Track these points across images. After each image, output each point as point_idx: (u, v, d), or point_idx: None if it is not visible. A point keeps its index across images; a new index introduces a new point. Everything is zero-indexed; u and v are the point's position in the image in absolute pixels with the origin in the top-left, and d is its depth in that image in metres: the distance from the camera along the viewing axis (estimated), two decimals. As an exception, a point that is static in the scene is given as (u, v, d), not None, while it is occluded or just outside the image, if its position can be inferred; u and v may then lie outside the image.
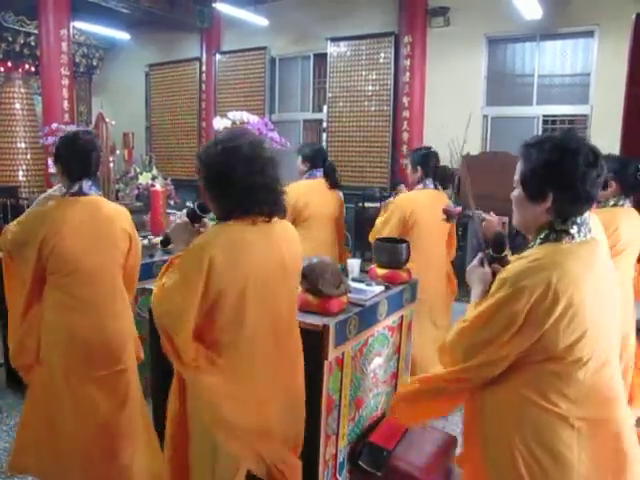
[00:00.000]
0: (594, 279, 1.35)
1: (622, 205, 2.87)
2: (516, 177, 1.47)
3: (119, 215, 2.45)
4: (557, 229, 1.38)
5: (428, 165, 3.51)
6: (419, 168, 3.50)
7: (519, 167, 1.45)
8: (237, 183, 1.61)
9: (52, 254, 2.19)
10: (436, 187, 3.55)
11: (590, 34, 7.44)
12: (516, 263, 1.38)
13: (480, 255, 1.62)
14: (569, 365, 1.35)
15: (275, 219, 1.74)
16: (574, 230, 1.38)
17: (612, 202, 2.86)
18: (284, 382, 1.83)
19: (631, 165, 2.87)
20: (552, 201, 1.37)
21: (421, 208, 3.43)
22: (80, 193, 2.32)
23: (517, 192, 1.47)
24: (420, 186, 3.52)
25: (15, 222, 2.32)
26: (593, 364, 1.37)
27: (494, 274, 1.54)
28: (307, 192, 3.61)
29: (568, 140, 1.36)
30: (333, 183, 3.77)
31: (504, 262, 1.58)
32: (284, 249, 1.76)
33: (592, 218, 2.73)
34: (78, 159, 2.29)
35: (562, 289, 1.28)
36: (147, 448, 2.41)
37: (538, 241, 1.41)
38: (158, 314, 1.67)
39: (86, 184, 2.33)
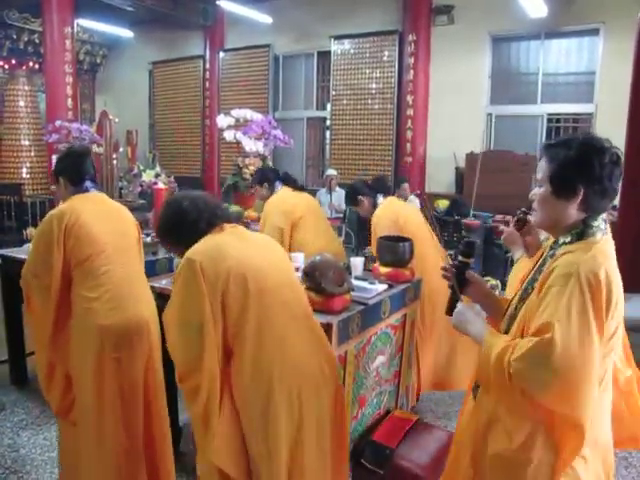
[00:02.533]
0: (619, 276, 1.40)
1: None
2: (540, 176, 1.47)
3: (124, 208, 2.60)
4: (592, 225, 1.41)
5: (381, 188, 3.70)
6: (362, 198, 3.60)
7: (544, 166, 1.45)
8: (189, 214, 1.88)
9: (77, 239, 2.26)
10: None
11: (595, 32, 7.41)
12: (569, 256, 1.37)
13: (453, 296, 1.65)
14: (604, 356, 1.35)
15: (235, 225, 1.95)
16: (603, 226, 1.42)
17: None
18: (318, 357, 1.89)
19: None
20: (583, 197, 1.39)
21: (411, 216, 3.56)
22: (86, 191, 2.46)
23: (543, 190, 1.46)
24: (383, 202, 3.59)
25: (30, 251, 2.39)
26: (610, 361, 1.40)
27: (467, 282, 1.62)
28: (287, 199, 3.79)
29: (594, 139, 1.40)
30: (300, 186, 3.97)
31: (468, 268, 1.64)
32: (263, 244, 1.95)
33: None
34: (75, 164, 2.46)
35: (611, 279, 1.33)
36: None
37: (570, 237, 1.42)
38: (176, 362, 1.75)
39: (89, 184, 2.47)
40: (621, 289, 1.36)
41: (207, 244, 1.78)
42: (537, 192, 1.48)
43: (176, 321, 1.73)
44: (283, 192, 3.85)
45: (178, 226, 1.88)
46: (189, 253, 1.74)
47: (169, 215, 1.92)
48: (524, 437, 1.36)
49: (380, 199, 3.55)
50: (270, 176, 3.93)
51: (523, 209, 2.10)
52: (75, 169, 2.45)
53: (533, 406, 1.32)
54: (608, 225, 1.45)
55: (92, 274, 2.28)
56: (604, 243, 1.40)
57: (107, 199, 2.56)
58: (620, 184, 1.42)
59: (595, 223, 1.41)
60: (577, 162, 1.38)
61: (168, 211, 1.93)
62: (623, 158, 1.42)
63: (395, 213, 3.45)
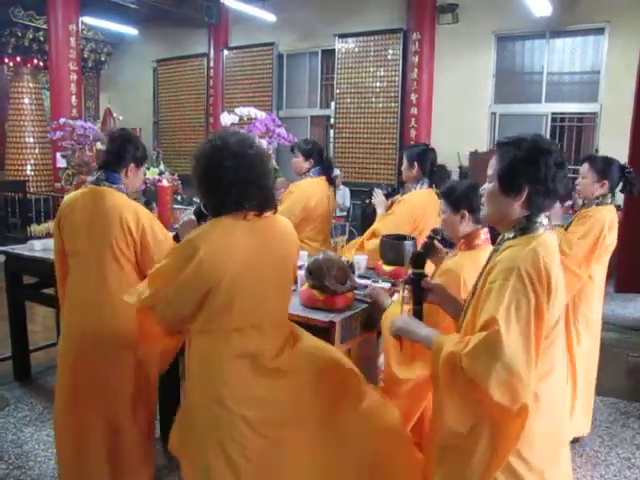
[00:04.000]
0: (560, 267, 1.49)
1: (610, 203, 2.93)
2: (490, 172, 1.54)
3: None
4: (535, 221, 1.48)
5: (425, 163, 3.27)
6: (416, 165, 3.23)
7: (494, 163, 1.53)
8: (223, 179, 1.65)
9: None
10: (430, 186, 3.32)
11: (600, 31, 7.38)
12: (510, 251, 1.46)
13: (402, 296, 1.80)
14: (549, 346, 1.44)
15: (268, 214, 1.76)
16: (545, 222, 1.50)
17: (609, 200, 2.91)
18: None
19: (616, 164, 2.93)
20: (527, 195, 1.46)
21: (429, 211, 3.21)
22: None
23: (491, 186, 1.54)
24: (418, 185, 3.29)
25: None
26: (558, 348, 1.50)
27: (424, 290, 1.73)
28: (317, 191, 3.54)
29: (542, 142, 1.48)
30: (331, 180, 3.72)
31: (423, 277, 1.75)
32: (275, 243, 1.76)
33: (598, 215, 2.76)
34: None
35: (550, 271, 1.40)
36: None
37: (514, 233, 1.50)
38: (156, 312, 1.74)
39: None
40: (561, 280, 1.45)
41: (217, 234, 1.65)
42: (486, 187, 1.56)
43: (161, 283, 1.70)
44: (318, 183, 3.59)
45: (204, 183, 1.71)
46: (195, 235, 1.64)
47: (202, 165, 1.70)
48: (468, 429, 1.43)
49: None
50: (317, 157, 3.61)
51: (430, 234, 2.21)
52: None
53: (479, 400, 1.39)
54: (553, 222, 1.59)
55: None
56: (545, 237, 1.47)
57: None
58: (563, 185, 1.49)
59: (538, 220, 1.48)
60: (524, 162, 1.46)
61: (202, 159, 1.71)
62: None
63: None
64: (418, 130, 8.43)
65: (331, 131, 9.70)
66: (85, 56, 10.65)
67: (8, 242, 4.37)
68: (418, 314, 1.73)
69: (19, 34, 9.72)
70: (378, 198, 3.37)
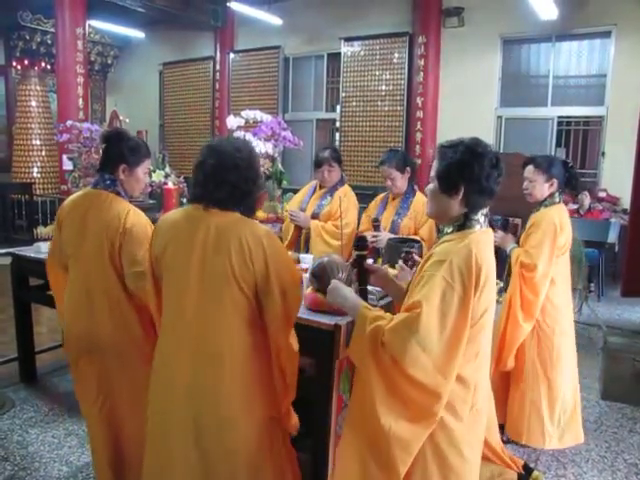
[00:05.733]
0: (493, 262, 1.61)
1: (559, 202, 2.89)
2: (432, 174, 1.67)
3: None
4: (471, 218, 1.60)
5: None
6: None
7: (435, 165, 1.66)
8: (198, 173, 1.76)
9: None
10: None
11: (607, 34, 7.37)
12: (446, 245, 1.57)
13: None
14: (476, 334, 1.55)
15: (227, 211, 1.72)
16: (481, 219, 1.62)
17: (557, 199, 2.87)
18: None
19: (559, 161, 2.92)
20: (463, 194, 1.58)
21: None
22: None
23: (432, 186, 1.67)
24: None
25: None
26: (484, 339, 1.61)
27: (367, 271, 1.88)
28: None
29: (477, 144, 1.59)
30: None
31: (365, 259, 1.90)
32: (210, 237, 1.68)
33: (549, 215, 2.77)
34: None
35: (481, 266, 1.51)
36: None
37: (452, 228, 1.63)
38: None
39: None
40: (492, 274, 1.57)
41: (166, 216, 1.87)
42: (429, 187, 1.69)
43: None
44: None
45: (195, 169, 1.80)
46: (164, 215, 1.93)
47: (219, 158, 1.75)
48: (388, 406, 1.51)
49: None
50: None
51: (405, 249, 2.36)
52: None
53: (400, 374, 1.48)
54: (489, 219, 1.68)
55: None
56: (480, 234, 1.59)
57: None
58: (497, 184, 1.60)
59: (475, 217, 1.61)
60: (459, 164, 1.58)
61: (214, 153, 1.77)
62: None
63: None
64: (424, 133, 8.43)
65: (337, 134, 9.71)
66: (92, 59, 10.72)
67: (14, 244, 4.39)
68: (363, 294, 1.83)
69: (27, 37, 9.80)
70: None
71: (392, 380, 1.51)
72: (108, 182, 2.30)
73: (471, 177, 1.57)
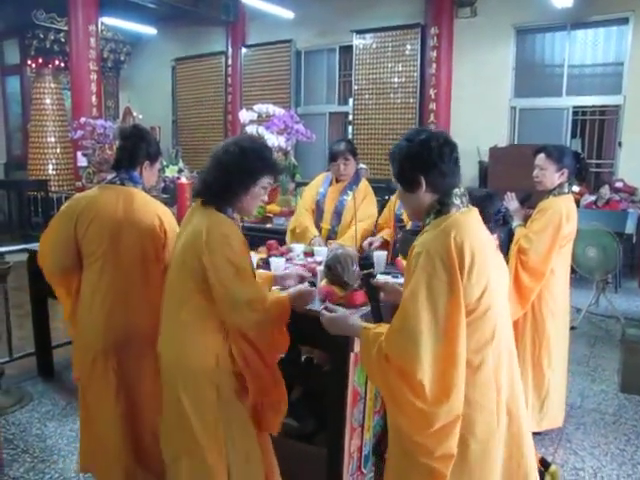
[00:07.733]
0: (483, 240, 1.53)
1: (568, 192, 2.89)
2: (393, 180, 1.64)
3: None
4: (446, 202, 1.53)
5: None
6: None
7: (392, 170, 1.63)
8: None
9: None
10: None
11: (624, 21, 7.24)
12: (424, 235, 1.53)
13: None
14: (481, 315, 1.46)
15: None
16: (458, 201, 1.54)
17: (566, 189, 2.87)
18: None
19: (570, 151, 2.93)
20: (426, 183, 1.53)
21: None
22: None
23: (398, 190, 1.65)
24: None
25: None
26: (495, 315, 1.50)
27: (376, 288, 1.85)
28: None
29: (417, 133, 1.56)
30: None
31: (372, 277, 1.89)
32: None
33: (556, 204, 2.75)
34: None
35: (464, 246, 1.43)
36: None
37: (429, 219, 1.56)
38: None
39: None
40: (482, 252, 1.46)
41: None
42: (397, 192, 1.69)
43: None
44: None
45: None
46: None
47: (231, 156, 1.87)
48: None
49: None
50: None
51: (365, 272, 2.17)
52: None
53: (401, 376, 1.42)
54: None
55: None
56: (459, 215, 1.52)
57: None
58: (455, 160, 1.53)
59: (448, 200, 1.54)
60: (408, 158, 1.56)
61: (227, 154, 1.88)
62: None
63: None
64: (437, 125, 8.35)
65: (349, 127, 9.67)
66: (105, 56, 10.77)
67: (31, 240, 4.43)
68: (375, 310, 1.80)
69: (41, 36, 9.88)
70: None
71: (404, 396, 1.43)
72: (135, 179, 2.31)
73: (425, 165, 1.53)
